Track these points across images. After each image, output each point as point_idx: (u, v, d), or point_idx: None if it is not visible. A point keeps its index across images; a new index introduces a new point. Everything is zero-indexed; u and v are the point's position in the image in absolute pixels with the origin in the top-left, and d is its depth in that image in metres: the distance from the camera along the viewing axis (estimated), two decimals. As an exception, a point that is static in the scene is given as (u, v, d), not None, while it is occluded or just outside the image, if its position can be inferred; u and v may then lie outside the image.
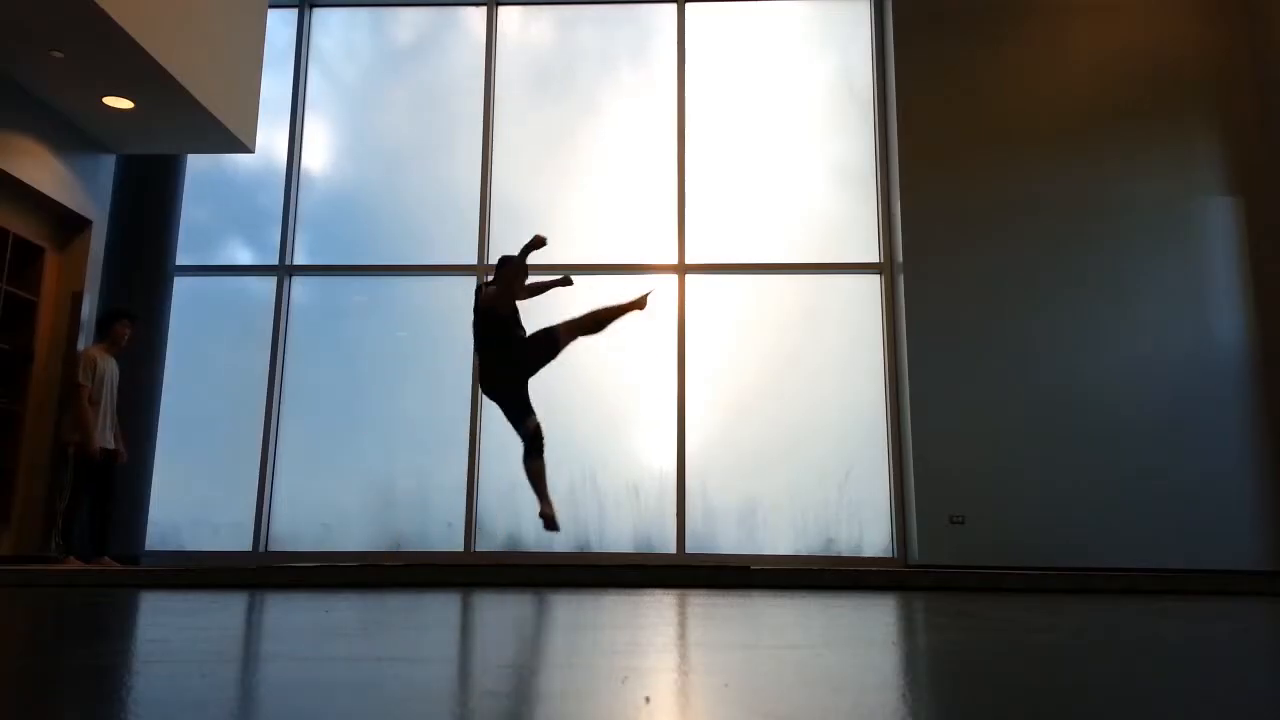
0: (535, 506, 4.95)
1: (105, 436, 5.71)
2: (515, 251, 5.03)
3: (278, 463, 6.88)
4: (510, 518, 6.74)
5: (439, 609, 3.05)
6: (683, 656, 1.84)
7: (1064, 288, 6.47)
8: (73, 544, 5.52)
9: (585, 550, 6.65)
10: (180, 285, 7.13)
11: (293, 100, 7.40)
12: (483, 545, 6.68)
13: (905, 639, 2.21)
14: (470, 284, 7.08)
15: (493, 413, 6.88)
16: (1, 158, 5.65)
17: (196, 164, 7.33)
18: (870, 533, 6.57)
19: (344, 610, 2.91)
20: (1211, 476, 6.16)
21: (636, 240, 7.05)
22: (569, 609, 3.02)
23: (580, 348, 6.94)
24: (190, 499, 6.83)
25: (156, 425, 6.87)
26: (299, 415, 6.96)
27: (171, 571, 4.68)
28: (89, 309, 6.50)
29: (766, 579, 4.64)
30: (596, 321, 5.09)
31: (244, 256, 7.25)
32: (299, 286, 7.18)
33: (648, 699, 1.34)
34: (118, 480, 5.90)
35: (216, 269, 7.20)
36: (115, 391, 5.88)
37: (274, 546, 6.74)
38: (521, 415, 4.98)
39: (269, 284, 7.14)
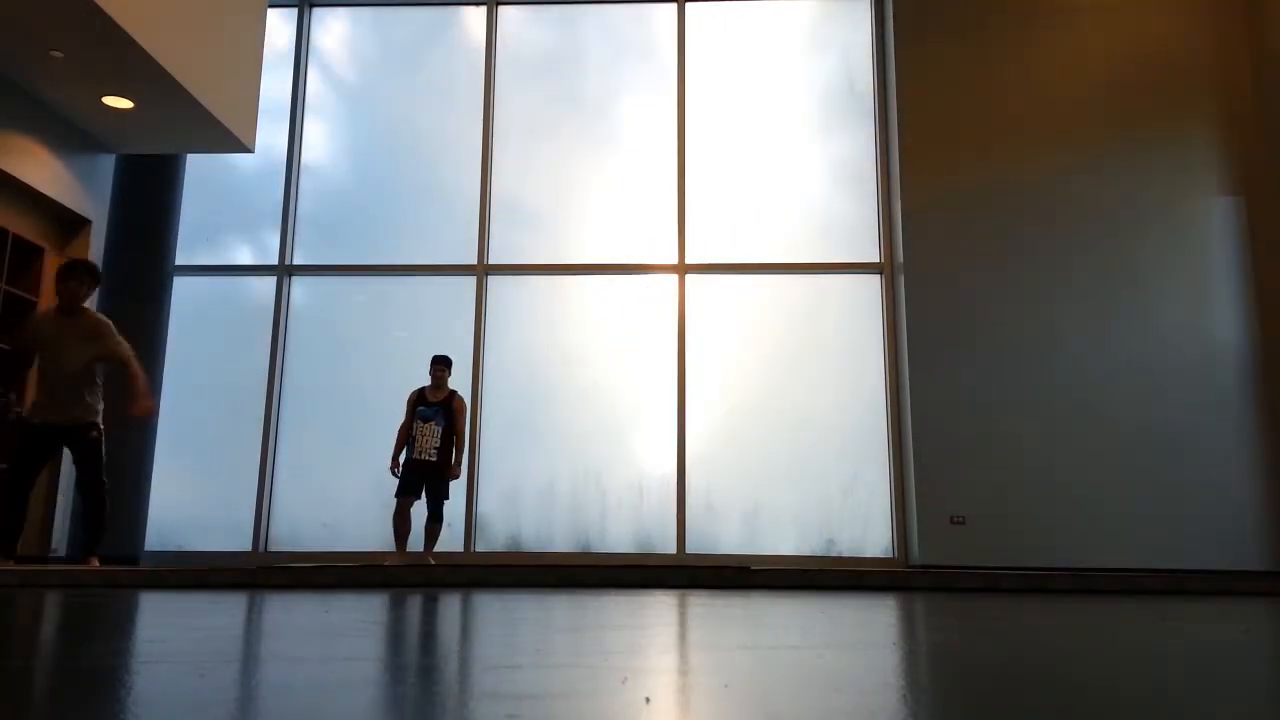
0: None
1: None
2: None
3: (278, 463, 6.88)
4: (510, 518, 6.74)
5: (439, 609, 3.04)
6: (683, 657, 1.84)
7: (1064, 287, 6.47)
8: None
9: (587, 550, 6.65)
10: (180, 285, 7.13)
11: (292, 100, 7.40)
12: (483, 545, 6.68)
13: (905, 640, 2.21)
14: (470, 284, 7.08)
15: (493, 414, 6.90)
16: (1, 158, 5.65)
17: (196, 163, 7.33)
18: (871, 533, 6.57)
19: (344, 610, 2.91)
20: (1212, 476, 6.16)
21: (636, 240, 7.05)
22: (569, 610, 3.02)
23: (581, 348, 6.95)
24: (190, 499, 6.83)
25: (156, 425, 6.87)
26: (299, 415, 6.96)
27: (171, 571, 4.68)
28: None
29: (767, 579, 4.64)
30: None
31: (244, 256, 7.24)
32: (299, 286, 7.18)
33: (648, 700, 1.34)
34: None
35: (216, 269, 7.20)
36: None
37: (274, 546, 6.73)
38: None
39: (269, 284, 7.14)
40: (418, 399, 6.20)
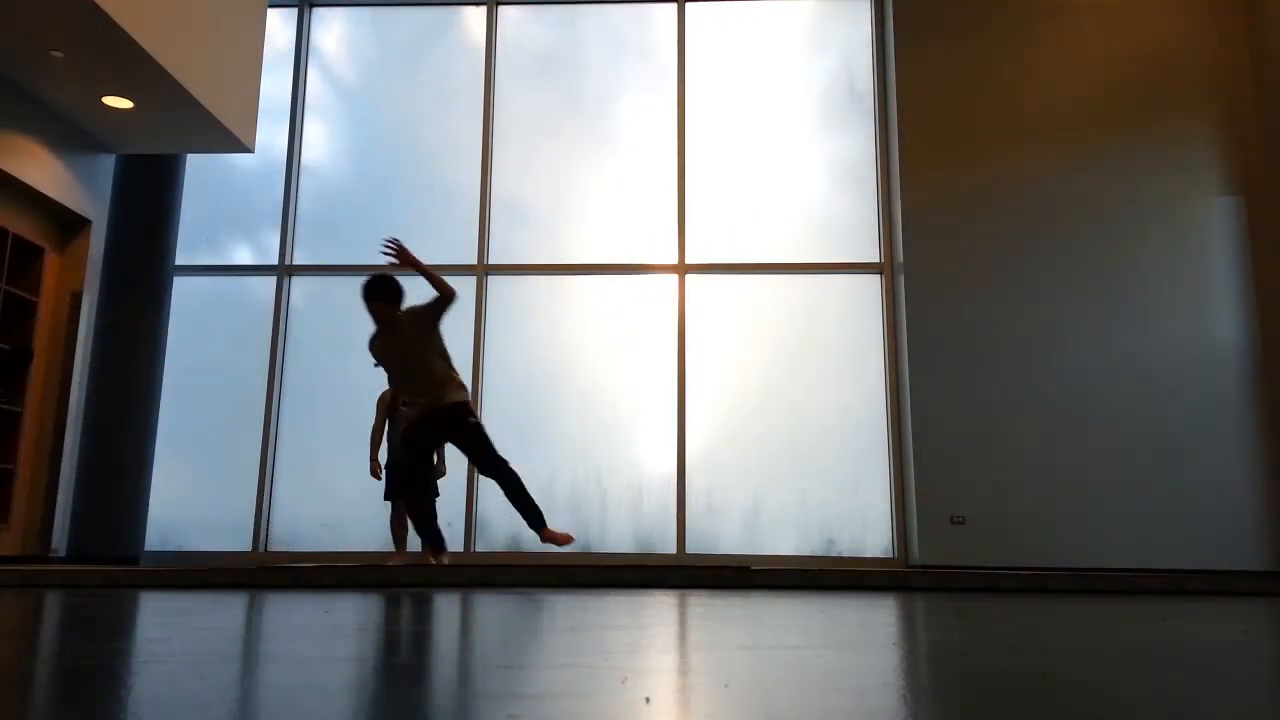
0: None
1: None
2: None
3: (278, 463, 6.88)
4: (510, 518, 6.72)
5: (439, 609, 3.05)
6: (683, 657, 1.84)
7: (1064, 287, 6.47)
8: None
9: (588, 550, 6.65)
10: (180, 285, 7.13)
11: (293, 100, 7.40)
12: (483, 545, 6.68)
13: (905, 640, 2.21)
14: (470, 284, 7.07)
15: (493, 414, 6.90)
16: (1, 158, 5.65)
17: (196, 163, 7.33)
18: (871, 533, 6.57)
19: (344, 610, 2.91)
20: (1212, 476, 6.16)
21: (636, 240, 7.05)
22: (569, 610, 3.02)
23: (581, 348, 6.95)
24: (190, 499, 6.83)
25: (156, 425, 6.87)
26: (299, 415, 6.96)
27: (171, 571, 4.68)
28: (88, 309, 6.50)
29: (767, 579, 4.64)
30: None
31: (243, 256, 7.25)
32: (299, 286, 7.18)
33: (648, 699, 1.34)
34: None
35: (216, 269, 7.20)
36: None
37: (274, 546, 6.74)
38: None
39: (269, 284, 7.15)
40: (394, 399, 6.15)
